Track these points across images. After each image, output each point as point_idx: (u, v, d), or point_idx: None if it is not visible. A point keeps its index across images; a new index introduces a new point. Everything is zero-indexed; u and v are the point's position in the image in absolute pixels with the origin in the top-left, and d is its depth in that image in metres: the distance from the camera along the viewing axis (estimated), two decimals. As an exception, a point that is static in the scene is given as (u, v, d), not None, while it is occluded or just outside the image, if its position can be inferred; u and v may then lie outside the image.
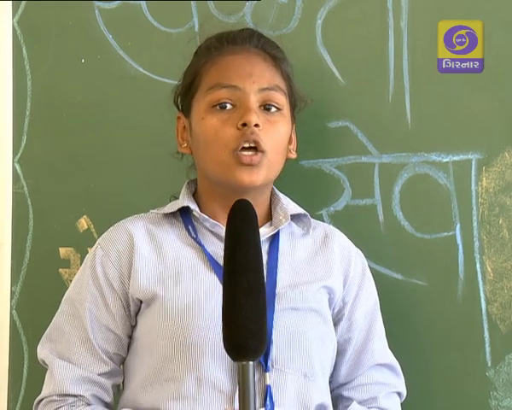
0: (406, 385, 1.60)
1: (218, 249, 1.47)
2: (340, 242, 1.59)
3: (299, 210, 1.56)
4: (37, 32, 1.88)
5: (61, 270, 1.84)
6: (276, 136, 1.48)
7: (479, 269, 1.65)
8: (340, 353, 1.55)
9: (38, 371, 1.55)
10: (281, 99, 1.50)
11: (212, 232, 1.50)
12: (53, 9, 1.86)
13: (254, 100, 1.46)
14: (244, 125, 1.44)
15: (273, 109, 1.49)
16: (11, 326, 1.87)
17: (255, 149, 1.45)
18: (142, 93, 1.80)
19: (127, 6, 1.82)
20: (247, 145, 1.44)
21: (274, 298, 1.46)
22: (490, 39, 1.65)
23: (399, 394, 1.60)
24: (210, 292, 1.44)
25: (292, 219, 1.54)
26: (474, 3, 1.66)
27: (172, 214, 1.53)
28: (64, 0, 1.85)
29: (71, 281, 1.57)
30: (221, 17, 1.76)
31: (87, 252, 1.74)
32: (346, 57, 1.71)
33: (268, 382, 1.41)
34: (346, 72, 1.71)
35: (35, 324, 1.83)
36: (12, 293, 1.87)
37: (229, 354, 1.20)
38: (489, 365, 1.64)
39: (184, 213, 1.52)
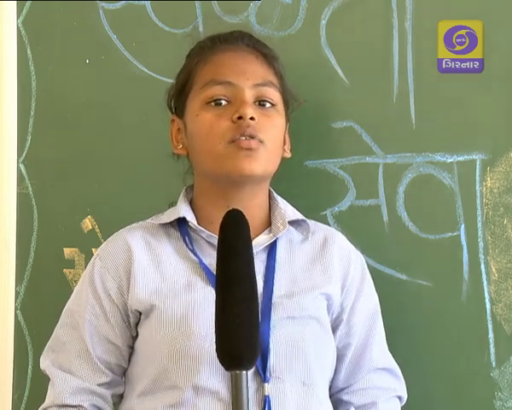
0: (411, 386, 1.60)
1: (214, 261, 1.45)
2: (340, 245, 1.57)
3: (298, 216, 1.54)
4: (42, 33, 1.88)
5: (65, 270, 1.84)
6: (272, 128, 1.48)
7: (483, 269, 1.65)
8: (340, 358, 1.54)
9: (43, 371, 1.55)
10: (275, 95, 1.50)
11: (208, 243, 1.49)
12: (57, 10, 1.87)
13: (249, 95, 1.46)
14: (239, 118, 1.44)
15: (268, 105, 1.49)
16: (16, 326, 1.87)
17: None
18: (146, 93, 1.80)
19: (131, 6, 1.83)
20: (242, 138, 1.43)
21: (270, 308, 1.44)
22: (490, 39, 1.64)
23: (400, 397, 1.59)
24: (206, 302, 1.42)
25: (291, 224, 1.53)
26: (474, 3, 1.66)
27: (170, 224, 1.52)
28: (68, 0, 1.85)
29: (75, 281, 1.57)
30: (225, 17, 1.76)
31: (91, 252, 1.75)
32: (351, 58, 1.71)
33: (266, 392, 1.40)
34: (350, 72, 1.71)
35: (39, 324, 1.84)
36: (16, 293, 1.87)
37: (222, 363, 1.18)
38: (493, 365, 1.64)
39: (181, 222, 1.51)
